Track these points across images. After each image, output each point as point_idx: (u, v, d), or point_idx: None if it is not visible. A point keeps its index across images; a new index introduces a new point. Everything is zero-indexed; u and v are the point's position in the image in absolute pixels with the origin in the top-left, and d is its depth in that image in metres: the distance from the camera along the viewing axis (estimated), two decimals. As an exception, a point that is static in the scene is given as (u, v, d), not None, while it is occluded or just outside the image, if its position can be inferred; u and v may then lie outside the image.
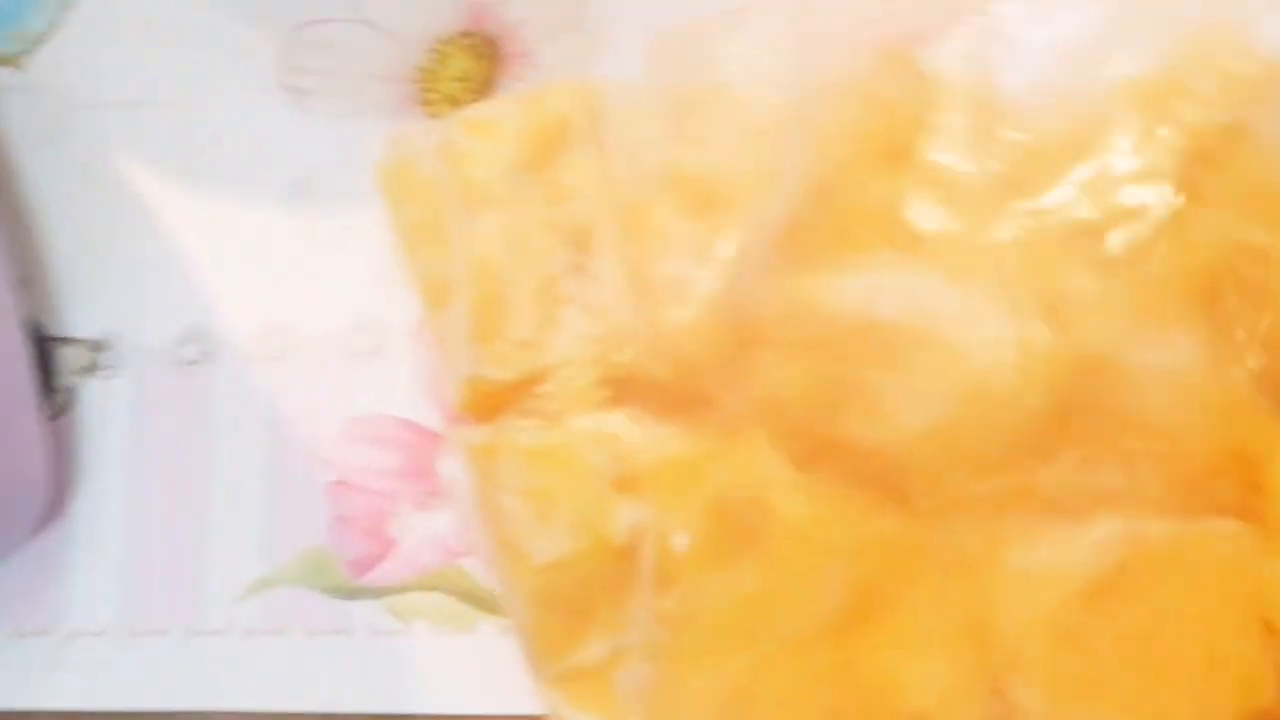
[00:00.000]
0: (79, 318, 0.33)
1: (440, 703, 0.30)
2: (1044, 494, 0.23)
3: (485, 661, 0.29)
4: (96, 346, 0.33)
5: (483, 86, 0.33)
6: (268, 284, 0.33)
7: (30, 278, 0.34)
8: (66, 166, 0.34)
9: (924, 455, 0.23)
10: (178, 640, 0.31)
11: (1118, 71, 0.24)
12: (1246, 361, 0.23)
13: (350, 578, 0.31)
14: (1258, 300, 0.23)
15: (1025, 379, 0.23)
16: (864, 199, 0.24)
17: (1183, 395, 0.23)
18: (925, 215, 0.24)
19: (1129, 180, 0.23)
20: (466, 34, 0.33)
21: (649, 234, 0.25)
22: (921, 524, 0.24)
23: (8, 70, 0.35)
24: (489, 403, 0.26)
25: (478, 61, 0.33)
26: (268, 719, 0.31)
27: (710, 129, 0.26)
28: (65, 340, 0.33)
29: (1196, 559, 0.23)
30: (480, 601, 0.30)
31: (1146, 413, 0.23)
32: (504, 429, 0.26)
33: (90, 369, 0.33)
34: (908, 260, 0.24)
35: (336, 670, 0.30)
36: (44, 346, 0.33)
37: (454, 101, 0.32)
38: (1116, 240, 0.23)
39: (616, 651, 0.25)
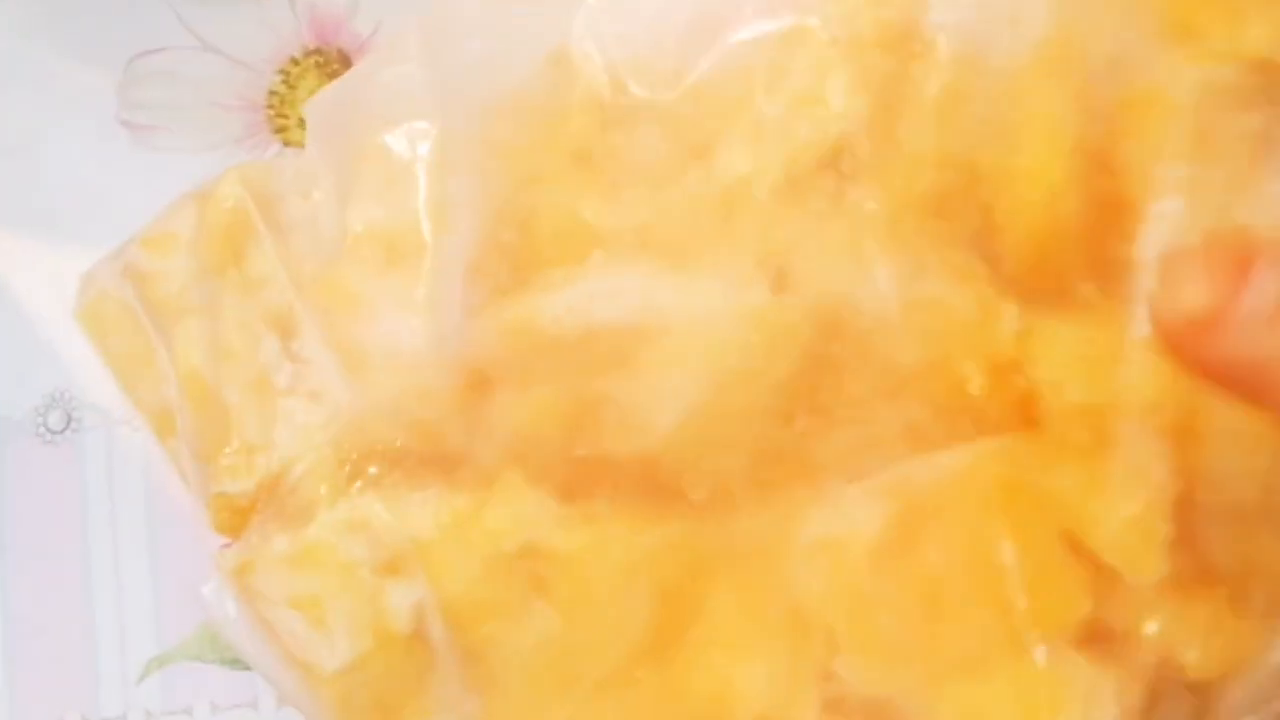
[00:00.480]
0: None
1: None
2: (818, 460, 0.22)
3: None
4: (-49, 423, 0.31)
5: (334, 105, 0.31)
6: None
7: None
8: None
9: (686, 451, 0.22)
10: None
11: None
12: (982, 271, 0.22)
13: (251, 648, 0.29)
14: (973, 211, 0.22)
15: (765, 348, 0.22)
16: (554, 211, 0.23)
17: (923, 320, 0.22)
18: (618, 212, 0.23)
19: (815, 117, 0.22)
20: (316, 52, 0.31)
21: (344, 302, 0.24)
22: (706, 523, 0.23)
23: None
24: (240, 515, 0.25)
25: (329, 80, 0.31)
26: None
27: (374, 177, 0.24)
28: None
29: (978, 486, 0.22)
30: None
31: (898, 349, 0.22)
32: (255, 542, 0.24)
33: (-54, 447, 0.31)
34: (615, 261, 0.23)
35: None
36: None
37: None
38: (823, 187, 0.22)
39: None
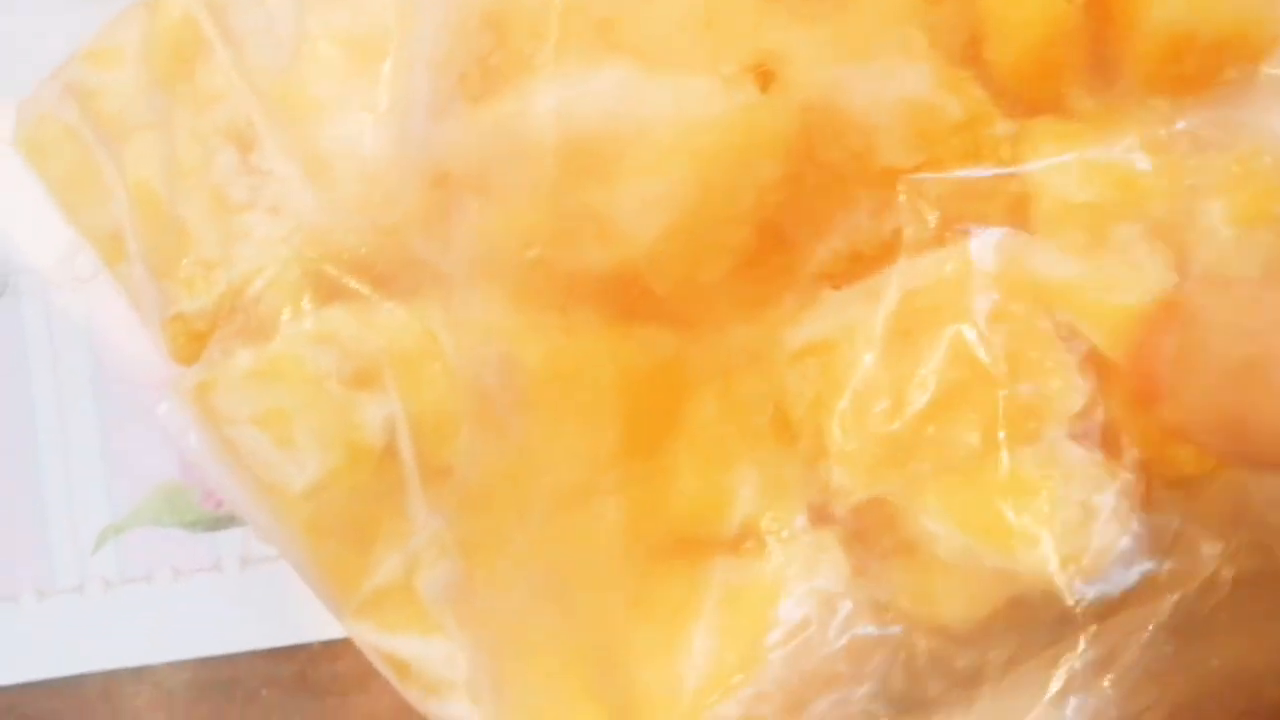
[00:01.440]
0: None
1: (332, 627, 0.27)
2: (808, 267, 0.23)
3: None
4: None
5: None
6: None
7: None
8: None
9: (672, 260, 0.22)
10: (29, 605, 0.30)
11: None
12: (973, 78, 0.22)
13: (210, 509, 0.30)
14: (967, 22, 0.22)
15: (749, 149, 0.22)
16: (528, 10, 0.22)
17: (916, 121, 0.22)
18: (596, 11, 0.22)
19: None
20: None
21: (305, 108, 0.23)
22: (691, 334, 0.23)
23: None
24: (197, 340, 0.24)
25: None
26: (143, 675, 0.29)
27: None
28: None
29: (970, 281, 0.22)
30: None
31: (886, 151, 0.22)
32: (215, 359, 0.24)
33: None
34: (596, 60, 0.22)
35: (211, 610, 0.29)
36: None
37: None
38: None
39: (411, 560, 0.24)
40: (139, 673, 0.29)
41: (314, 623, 0.28)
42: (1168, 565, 0.21)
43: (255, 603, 0.29)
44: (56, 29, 0.29)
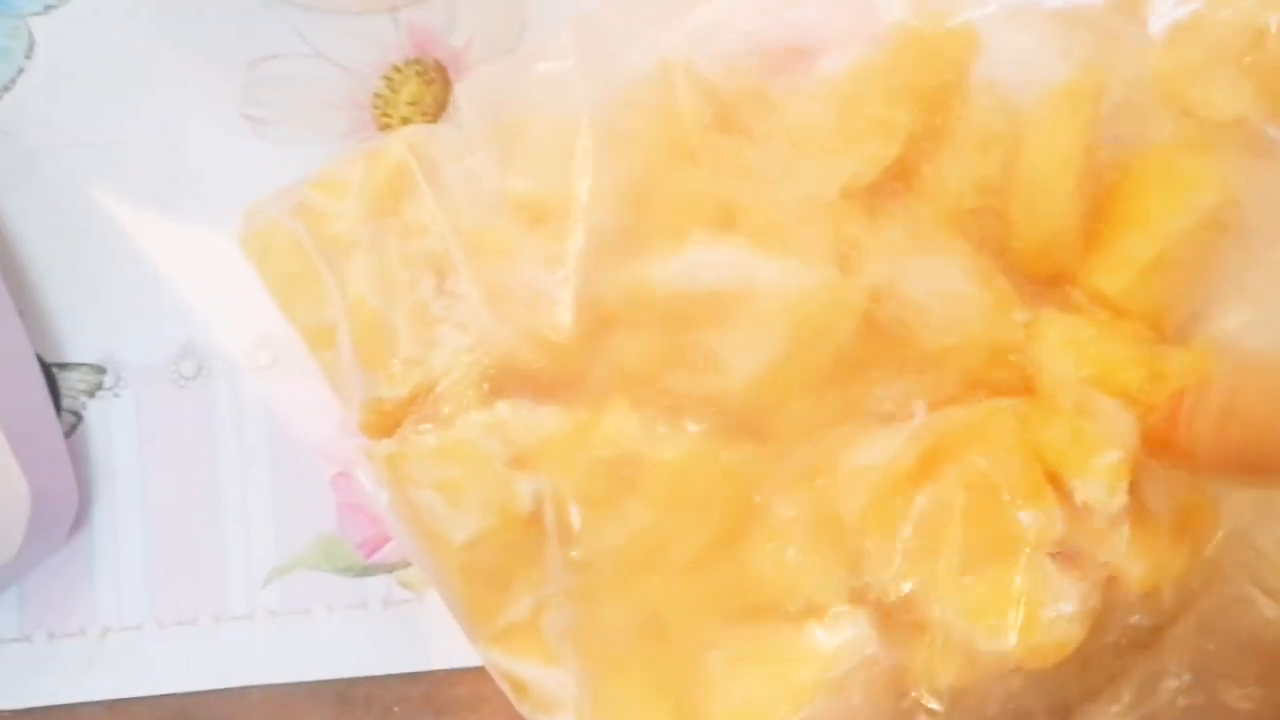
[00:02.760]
0: (77, 344, 0.36)
1: (454, 658, 0.34)
2: (865, 406, 0.28)
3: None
4: (97, 369, 0.36)
5: (434, 108, 0.36)
6: (252, 300, 0.34)
7: (24, 311, 0.36)
8: (44, 205, 0.37)
9: (763, 392, 0.28)
10: (206, 627, 0.35)
11: (837, 61, 0.29)
12: (1000, 273, 0.28)
13: (361, 558, 0.35)
14: (997, 221, 0.28)
15: (831, 315, 0.28)
16: (665, 194, 0.28)
17: (954, 307, 0.28)
18: (717, 199, 0.28)
19: (880, 140, 0.28)
20: (416, 61, 0.36)
21: (496, 252, 0.29)
22: (773, 448, 0.28)
23: (-17, 121, 0.38)
24: (387, 420, 0.30)
25: (427, 86, 0.36)
26: (297, 690, 0.34)
27: (528, 153, 0.29)
28: (66, 366, 0.36)
29: (986, 433, 0.27)
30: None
31: (932, 327, 0.28)
32: (407, 436, 0.29)
33: (93, 390, 0.36)
34: (718, 237, 0.28)
35: (357, 639, 0.34)
36: (47, 373, 0.36)
37: (408, 124, 0.36)
38: (886, 194, 0.28)
39: (540, 603, 0.28)
40: (294, 687, 0.34)
41: (439, 654, 0.34)
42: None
43: (392, 636, 0.34)
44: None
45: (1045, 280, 0.28)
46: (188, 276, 0.36)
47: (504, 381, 0.29)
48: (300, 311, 0.31)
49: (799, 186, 0.28)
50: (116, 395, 0.36)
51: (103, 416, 0.36)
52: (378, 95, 0.36)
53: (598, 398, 0.28)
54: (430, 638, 0.34)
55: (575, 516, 0.28)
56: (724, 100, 0.29)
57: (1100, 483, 0.27)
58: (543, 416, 0.28)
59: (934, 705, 0.27)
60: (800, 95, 0.29)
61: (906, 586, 0.28)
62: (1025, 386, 0.28)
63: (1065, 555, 0.27)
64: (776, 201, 0.28)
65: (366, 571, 0.35)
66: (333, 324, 0.31)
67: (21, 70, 0.37)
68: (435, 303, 0.29)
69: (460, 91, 0.31)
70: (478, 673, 0.33)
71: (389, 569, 0.34)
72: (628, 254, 0.28)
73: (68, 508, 0.34)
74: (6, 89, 0.37)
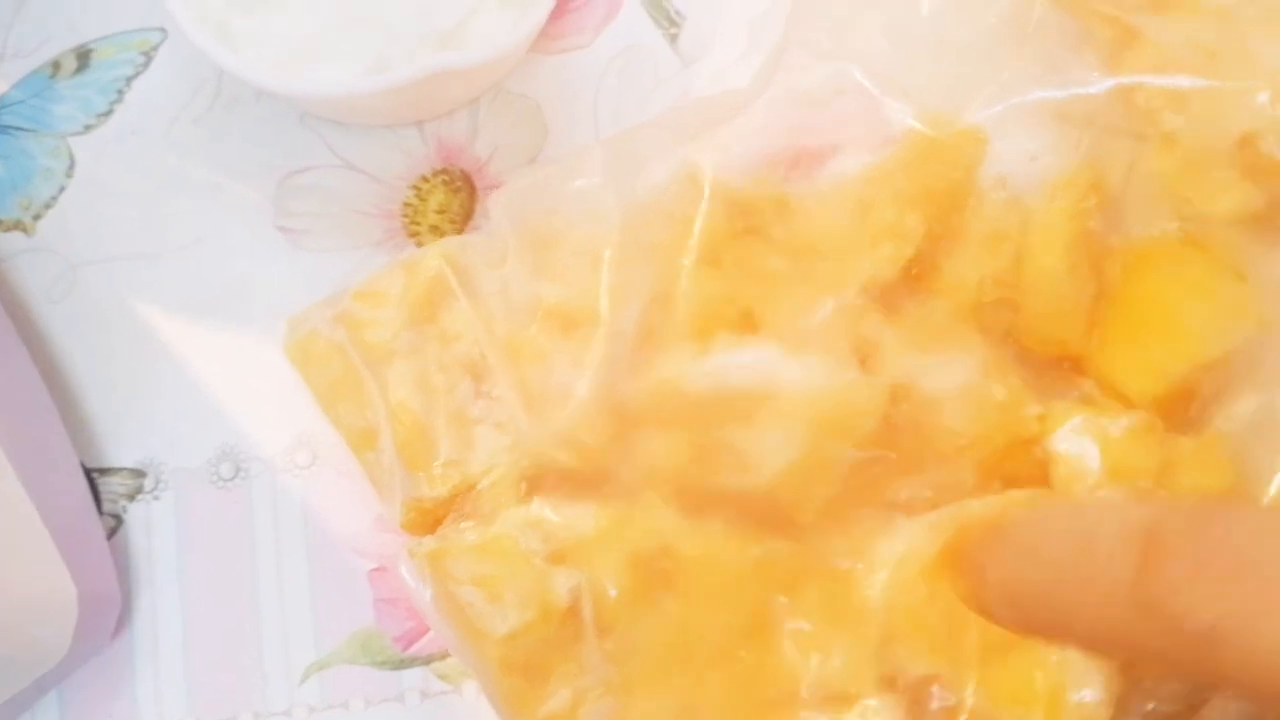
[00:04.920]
0: (117, 449, 0.37)
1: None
2: (889, 498, 0.29)
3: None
4: (137, 473, 0.37)
5: (461, 215, 0.38)
6: (289, 403, 0.36)
7: (66, 418, 0.37)
8: (86, 316, 0.38)
9: (788, 487, 0.29)
10: None
11: (860, 162, 0.30)
12: (1013, 366, 0.29)
13: (398, 651, 0.35)
14: (1011, 313, 0.30)
15: (853, 414, 0.29)
16: (697, 298, 0.30)
17: (970, 403, 0.29)
18: (740, 302, 0.30)
19: (895, 242, 0.30)
20: (443, 171, 0.38)
21: (530, 356, 0.30)
22: (800, 540, 0.29)
23: (19, 235, 0.39)
24: (428, 518, 0.31)
25: (454, 195, 0.38)
26: None
27: (559, 262, 0.31)
28: (106, 470, 0.37)
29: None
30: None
31: (948, 421, 0.29)
32: (448, 534, 0.30)
33: (133, 494, 0.37)
34: (742, 339, 0.29)
35: None
36: (88, 478, 0.37)
37: (438, 231, 0.37)
38: (900, 293, 0.30)
39: (578, 695, 0.29)
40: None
41: None
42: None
43: None
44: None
45: (1056, 365, 0.30)
46: (226, 382, 0.38)
47: (540, 479, 0.30)
48: (343, 415, 0.33)
49: (818, 288, 0.30)
50: (156, 498, 0.37)
51: (143, 519, 0.37)
52: (407, 204, 0.38)
53: (630, 494, 0.29)
54: (467, 729, 0.35)
55: (610, 610, 0.29)
56: (745, 206, 0.31)
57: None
58: (578, 513, 0.29)
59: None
60: (817, 200, 0.30)
61: (935, 674, 0.28)
62: (1040, 477, 0.29)
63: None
64: (797, 303, 0.30)
65: (404, 664, 0.35)
66: (374, 427, 0.32)
67: (63, 188, 0.39)
68: (473, 405, 0.31)
69: (493, 203, 0.32)
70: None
71: (425, 661, 0.35)
72: (654, 357, 0.30)
73: (112, 610, 0.35)
74: (48, 206, 0.39)
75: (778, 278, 0.30)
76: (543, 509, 0.30)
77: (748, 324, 0.30)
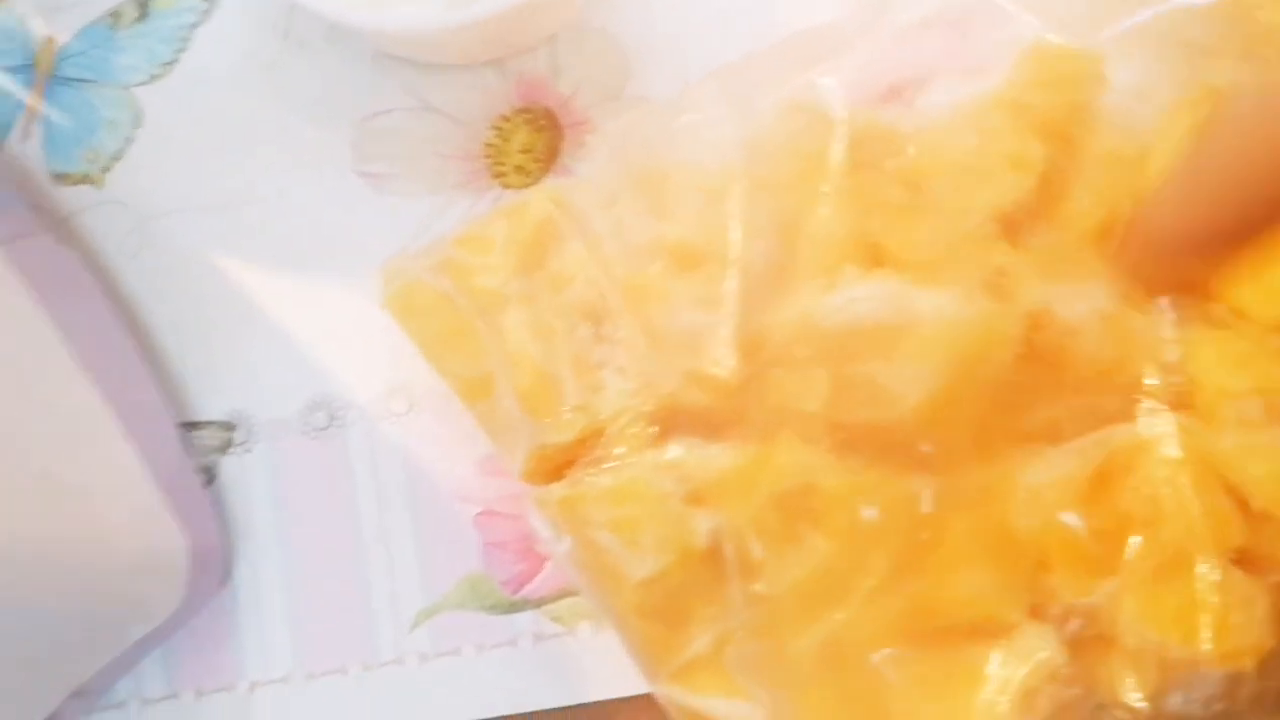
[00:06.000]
0: (204, 403, 0.37)
1: (609, 689, 0.34)
2: (1030, 427, 0.28)
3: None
4: (226, 426, 0.37)
5: (547, 155, 0.37)
6: (379, 351, 0.36)
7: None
8: (162, 270, 0.38)
9: (928, 420, 0.28)
10: (356, 676, 0.35)
11: (973, 89, 0.30)
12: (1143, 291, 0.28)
13: (508, 594, 0.35)
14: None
15: (990, 343, 0.28)
16: (820, 231, 0.29)
17: (1107, 328, 0.28)
18: (867, 237, 0.29)
19: (1016, 171, 0.29)
20: (525, 110, 0.37)
21: (651, 297, 0.30)
22: (944, 472, 0.28)
23: (88, 189, 0.38)
24: (550, 465, 0.31)
25: (539, 134, 0.37)
26: None
27: (678, 200, 0.30)
28: (195, 425, 0.37)
29: (1155, 446, 0.28)
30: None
31: (1087, 348, 0.28)
32: (581, 479, 0.30)
33: (224, 447, 0.37)
34: (870, 272, 0.29)
35: (509, 676, 0.35)
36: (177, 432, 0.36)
37: (523, 171, 0.37)
38: (1024, 222, 0.29)
39: (720, 638, 0.29)
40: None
41: (594, 686, 0.34)
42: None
43: (543, 671, 0.34)
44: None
45: (1187, 290, 0.29)
46: (312, 331, 0.37)
47: (671, 421, 0.29)
48: (451, 364, 0.32)
49: (943, 219, 0.29)
50: (248, 450, 0.37)
51: (236, 472, 0.37)
52: (489, 145, 0.37)
53: (765, 433, 0.29)
54: (584, 670, 0.34)
55: (755, 551, 0.28)
56: (863, 137, 0.30)
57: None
58: (714, 454, 0.29)
59: (1128, 717, 0.28)
60: (935, 129, 0.30)
61: (1090, 601, 0.28)
62: (1182, 401, 0.28)
63: (1246, 560, 0.27)
64: (923, 235, 0.29)
65: (514, 608, 0.35)
66: (487, 375, 0.31)
67: (130, 140, 0.38)
68: (594, 350, 0.30)
69: (597, 142, 0.32)
70: (632, 702, 0.34)
71: (537, 604, 0.35)
72: (782, 292, 0.29)
73: (217, 562, 0.34)
74: (116, 159, 0.38)
75: (900, 209, 0.29)
76: (678, 450, 0.29)
77: (873, 257, 0.29)
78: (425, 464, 0.36)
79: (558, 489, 0.30)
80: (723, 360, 0.29)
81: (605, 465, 0.30)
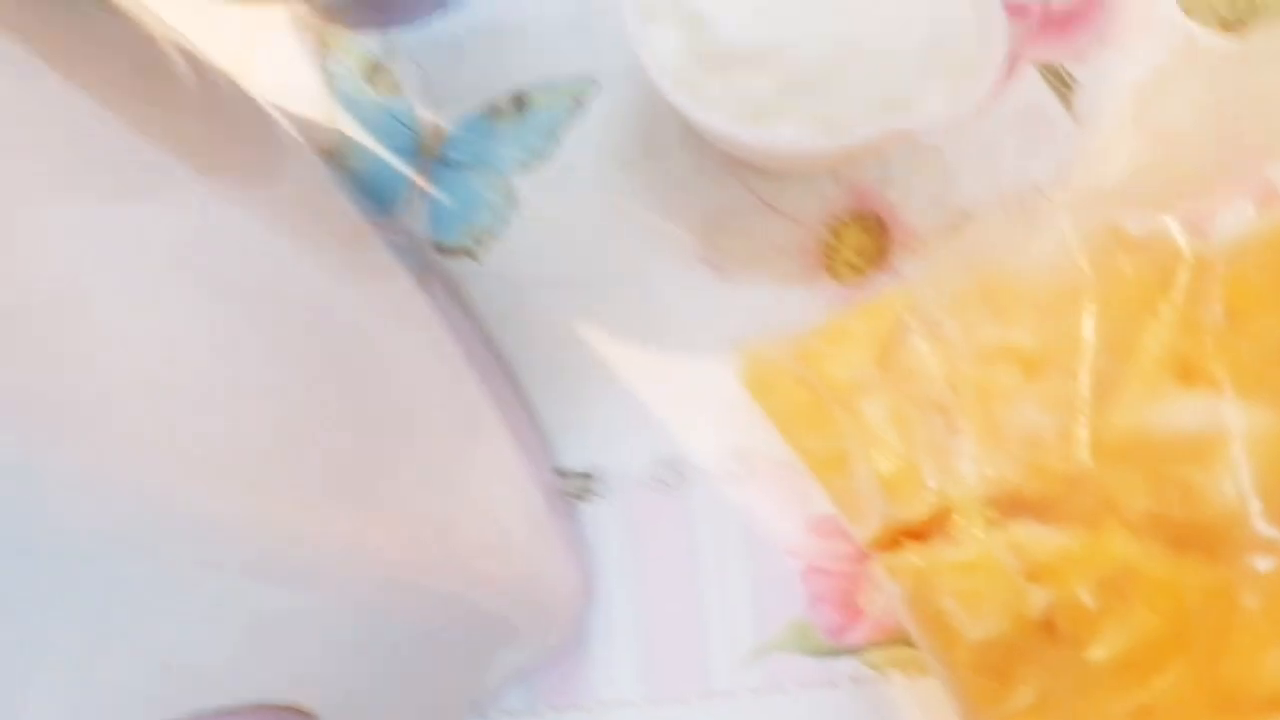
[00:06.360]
0: (567, 455, 0.42)
1: (921, 732, 0.39)
2: None
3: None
4: (585, 476, 0.42)
5: (876, 254, 0.42)
6: (721, 418, 0.41)
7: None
8: (534, 334, 0.43)
9: (1232, 522, 0.32)
10: (695, 704, 0.40)
11: (1266, 217, 0.34)
12: None
13: (829, 642, 0.40)
14: None
15: None
16: (1153, 349, 0.33)
17: None
18: (1197, 354, 0.33)
19: None
20: (856, 213, 0.42)
21: (998, 396, 0.34)
22: (1233, 565, 0.32)
23: (468, 261, 0.44)
24: (894, 535, 0.35)
25: (868, 235, 0.42)
26: None
27: (1023, 310, 0.35)
28: (560, 473, 0.42)
29: None
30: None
31: None
32: (932, 552, 0.34)
33: (583, 495, 0.42)
34: (1190, 388, 0.33)
35: (830, 714, 0.39)
36: (541, 480, 0.42)
37: (854, 268, 0.42)
38: None
39: (1042, 695, 0.33)
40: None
41: None
42: None
43: (860, 711, 0.39)
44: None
45: None
46: (661, 396, 0.42)
47: (1011, 506, 0.34)
48: (805, 440, 0.37)
49: (1253, 340, 0.33)
50: (603, 498, 0.42)
51: (592, 517, 0.42)
52: (823, 243, 0.42)
53: (1095, 520, 0.33)
54: (898, 713, 0.39)
55: (1083, 623, 0.33)
56: (1168, 266, 0.34)
57: None
58: (1049, 535, 0.33)
59: None
60: (1237, 256, 0.34)
61: None
62: None
63: None
64: (1236, 354, 0.33)
65: (834, 653, 0.40)
66: (840, 453, 0.36)
67: (505, 220, 0.44)
68: (946, 439, 0.35)
69: (945, 252, 0.36)
70: (940, 743, 0.39)
71: (854, 652, 0.40)
72: (1114, 400, 0.33)
73: (587, 598, 0.40)
74: (493, 235, 0.44)
75: (1217, 331, 0.34)
76: (1018, 531, 0.34)
77: (1192, 372, 0.33)
78: (759, 520, 0.41)
79: (913, 559, 0.34)
80: (1063, 456, 0.33)
81: (955, 541, 0.34)
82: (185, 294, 0.25)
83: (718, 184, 0.43)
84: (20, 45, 0.25)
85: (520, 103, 0.45)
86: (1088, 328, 0.34)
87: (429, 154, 0.45)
